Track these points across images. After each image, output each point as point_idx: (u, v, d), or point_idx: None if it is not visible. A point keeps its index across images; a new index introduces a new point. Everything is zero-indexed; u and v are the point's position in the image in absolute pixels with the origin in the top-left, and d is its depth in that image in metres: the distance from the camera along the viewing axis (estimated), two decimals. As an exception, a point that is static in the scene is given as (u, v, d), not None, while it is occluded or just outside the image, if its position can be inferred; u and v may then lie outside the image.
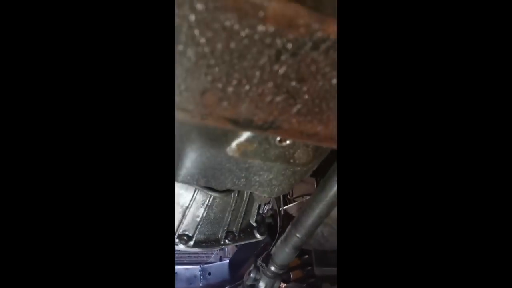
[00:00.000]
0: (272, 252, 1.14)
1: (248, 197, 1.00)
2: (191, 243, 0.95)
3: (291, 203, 1.72)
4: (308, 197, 1.67)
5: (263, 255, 1.15)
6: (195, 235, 0.95)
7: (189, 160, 0.61)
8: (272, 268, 1.12)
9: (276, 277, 1.15)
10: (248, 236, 1.08)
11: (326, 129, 0.33)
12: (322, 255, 1.44)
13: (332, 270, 1.38)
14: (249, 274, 1.22)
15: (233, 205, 0.97)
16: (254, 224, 1.08)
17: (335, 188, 0.87)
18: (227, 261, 2.17)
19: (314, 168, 0.71)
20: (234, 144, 0.51)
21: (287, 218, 1.63)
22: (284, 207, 1.65)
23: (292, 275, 1.62)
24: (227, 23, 0.22)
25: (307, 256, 1.59)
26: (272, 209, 1.66)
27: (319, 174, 1.30)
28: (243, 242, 1.05)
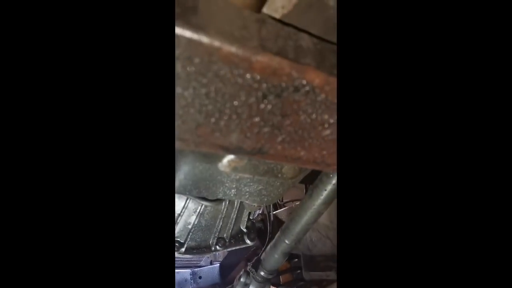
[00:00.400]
0: (262, 257, 1.17)
1: (238, 204, 1.03)
2: (183, 249, 0.97)
3: (281, 208, 1.76)
4: (297, 202, 1.71)
5: (253, 261, 1.18)
6: (186, 241, 0.98)
7: (182, 172, 0.64)
8: (262, 273, 1.15)
9: (266, 281, 1.18)
10: (239, 242, 1.11)
11: (309, 154, 0.37)
12: (311, 260, 1.48)
13: (320, 275, 1.42)
14: (239, 278, 1.25)
15: (224, 212, 1.00)
16: (245, 230, 1.12)
17: (322, 197, 0.91)
18: (218, 265, 2.19)
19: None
20: (225, 160, 0.54)
21: (277, 222, 1.67)
22: (274, 212, 1.69)
23: (281, 278, 1.65)
24: (220, 72, 0.25)
25: (296, 259, 1.63)
26: (262, 213, 1.70)
27: (308, 180, 1.34)
28: (233, 248, 1.08)
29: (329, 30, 0.44)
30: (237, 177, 0.67)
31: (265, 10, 0.36)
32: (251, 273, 1.18)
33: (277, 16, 0.39)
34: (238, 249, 1.15)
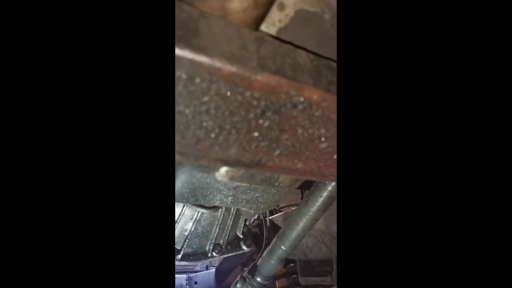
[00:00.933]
0: (258, 263, 1.18)
1: (235, 211, 1.04)
2: (179, 256, 0.97)
3: (277, 213, 1.77)
4: (293, 208, 1.72)
5: (249, 267, 1.18)
6: (183, 248, 0.98)
7: (179, 181, 0.65)
8: (258, 279, 1.15)
9: (262, 287, 1.19)
10: (235, 248, 1.11)
11: (306, 166, 0.37)
12: (306, 265, 1.48)
13: (316, 280, 1.43)
14: (235, 284, 1.25)
15: (221, 218, 1.01)
16: (241, 236, 1.12)
17: (318, 203, 0.91)
18: (214, 270, 2.17)
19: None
20: (223, 170, 0.55)
21: (274, 227, 1.67)
22: (270, 217, 1.69)
23: (277, 283, 1.65)
24: (220, 91, 0.26)
25: (292, 264, 1.64)
26: (258, 218, 1.70)
27: (304, 186, 1.35)
28: (230, 254, 1.09)
29: (325, 43, 0.45)
30: (234, 185, 0.67)
31: (263, 26, 0.37)
32: (247, 279, 1.18)
33: (275, 29, 0.40)
34: (234, 255, 1.15)
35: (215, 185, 0.66)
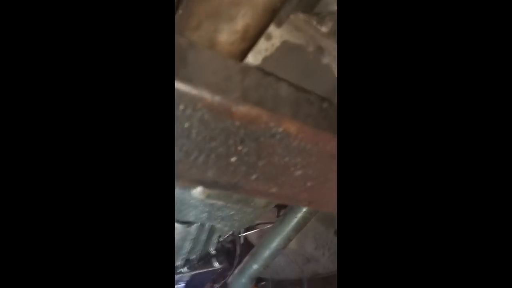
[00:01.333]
0: (228, 281, 1.16)
1: (209, 226, 1.03)
2: (148, 271, 0.95)
3: (251, 230, 1.76)
4: (269, 225, 1.72)
5: (220, 284, 1.17)
6: (153, 263, 0.96)
7: (155, 195, 0.64)
8: (228, 298, 1.14)
9: (231, 306, 1.17)
10: (206, 265, 1.09)
11: (281, 190, 0.39)
12: (278, 284, 1.47)
13: (287, 300, 1.42)
14: (204, 302, 1.22)
15: (194, 234, 0.99)
16: (213, 253, 1.10)
17: (293, 223, 0.93)
18: (183, 285, 2.11)
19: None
20: (200, 187, 0.55)
21: (247, 244, 1.66)
22: (244, 234, 1.68)
23: (248, 302, 1.63)
24: (203, 118, 0.27)
25: (264, 283, 1.62)
26: (232, 234, 1.68)
27: (281, 205, 1.36)
28: (201, 271, 1.07)
29: (307, 73, 0.47)
30: (210, 202, 0.67)
31: (250, 53, 0.39)
32: (217, 297, 1.16)
33: (260, 57, 0.42)
34: (205, 271, 1.13)
35: (191, 201, 0.66)
